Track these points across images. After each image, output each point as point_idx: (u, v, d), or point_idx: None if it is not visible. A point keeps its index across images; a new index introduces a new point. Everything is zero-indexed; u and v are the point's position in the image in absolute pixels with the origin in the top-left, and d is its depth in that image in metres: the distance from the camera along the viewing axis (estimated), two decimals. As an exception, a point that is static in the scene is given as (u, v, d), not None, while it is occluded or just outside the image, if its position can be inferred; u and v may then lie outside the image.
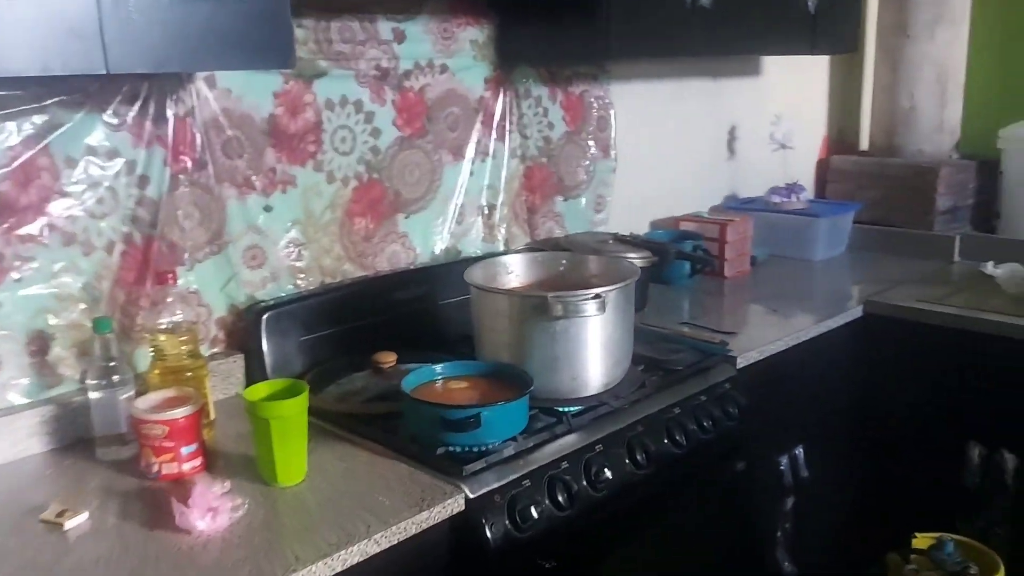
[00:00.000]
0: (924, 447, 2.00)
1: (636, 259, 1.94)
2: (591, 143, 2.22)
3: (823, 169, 3.03)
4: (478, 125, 1.97)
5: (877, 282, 2.25)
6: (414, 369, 1.42)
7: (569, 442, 1.37)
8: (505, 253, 2.03)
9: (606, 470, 1.37)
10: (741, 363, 1.70)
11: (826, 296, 2.19)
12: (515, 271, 1.64)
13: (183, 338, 1.35)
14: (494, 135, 2.01)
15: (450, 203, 1.95)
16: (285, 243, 1.67)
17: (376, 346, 1.65)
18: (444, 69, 1.88)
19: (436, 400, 1.34)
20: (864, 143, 3.14)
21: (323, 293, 1.68)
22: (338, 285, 1.73)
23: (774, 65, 2.74)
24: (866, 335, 2.03)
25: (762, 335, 1.85)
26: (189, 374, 1.35)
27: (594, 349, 1.42)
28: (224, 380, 1.56)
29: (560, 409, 1.41)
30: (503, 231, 2.06)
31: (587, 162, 2.22)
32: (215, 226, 1.56)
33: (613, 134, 2.26)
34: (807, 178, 2.95)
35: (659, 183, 2.45)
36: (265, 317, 1.57)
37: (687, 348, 1.69)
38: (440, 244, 1.95)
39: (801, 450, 1.92)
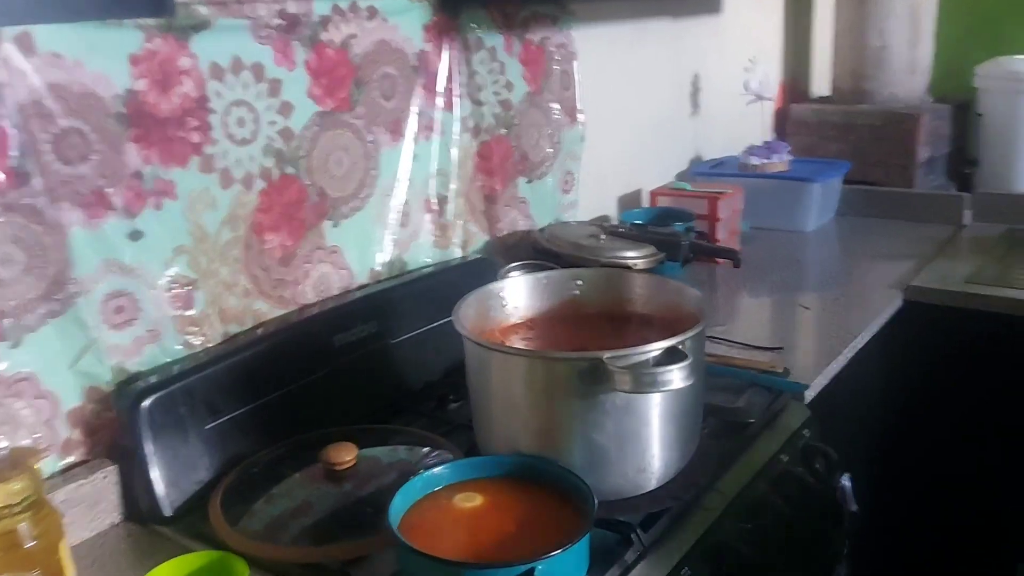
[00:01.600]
0: (994, 461, 1.65)
1: (641, 259, 1.48)
2: (555, 106, 1.73)
3: (781, 120, 2.65)
4: (419, 90, 1.45)
5: (895, 258, 1.88)
6: (397, 484, 0.92)
7: (644, 573, 0.91)
8: (464, 261, 1.53)
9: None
10: (810, 394, 1.28)
11: (849, 281, 1.80)
12: (512, 301, 1.15)
13: (15, 485, 0.79)
14: (440, 102, 1.49)
15: (391, 200, 1.43)
16: (167, 283, 1.12)
17: (313, 418, 1.15)
18: (372, 14, 1.34)
19: (451, 546, 0.84)
20: (822, 88, 2.78)
21: (231, 353, 1.13)
22: (250, 337, 1.19)
23: (734, 1, 2.32)
24: (909, 329, 1.65)
25: (813, 347, 1.44)
26: (31, 544, 0.80)
27: (667, 426, 0.96)
28: (90, 510, 1.02)
29: (621, 519, 0.94)
30: (459, 230, 1.56)
31: (551, 130, 1.73)
32: (52, 271, 1.00)
33: (578, 93, 1.77)
34: (760, 132, 2.56)
35: (622, 150, 2.00)
36: (147, 403, 1.02)
37: (744, 381, 1.25)
38: (381, 257, 1.43)
39: (848, 480, 1.53)
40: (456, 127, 1.52)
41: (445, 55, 1.48)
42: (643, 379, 0.85)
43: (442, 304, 1.40)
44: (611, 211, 1.99)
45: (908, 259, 1.87)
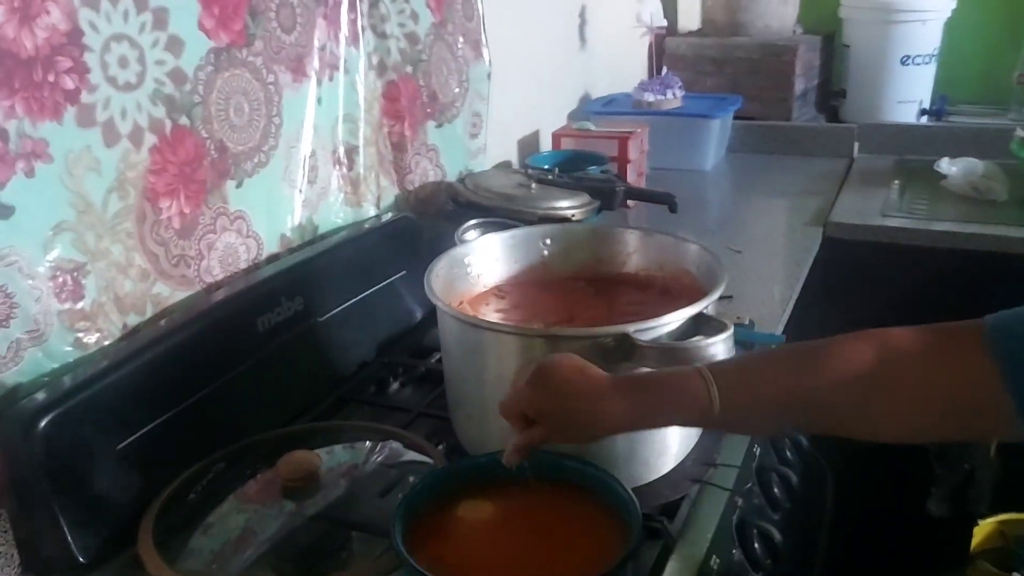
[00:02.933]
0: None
1: (578, 209, 1.36)
2: (460, 40, 1.55)
3: (655, 55, 2.58)
4: (321, 22, 1.23)
5: (801, 194, 1.86)
6: (379, 494, 0.76)
7: (677, 569, 0.81)
8: (383, 221, 1.34)
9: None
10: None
11: (766, 220, 1.76)
12: (477, 268, 1.00)
13: None
14: (344, 36, 1.28)
15: (297, 153, 1.22)
16: (48, 270, 0.88)
17: (244, 419, 0.97)
18: (266, -72, 1.12)
19: (472, 569, 0.70)
20: (690, 22, 2.73)
21: (138, 351, 0.91)
22: (157, 330, 0.97)
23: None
24: (833, 267, 1.63)
25: (759, 293, 1.38)
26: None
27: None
28: (-21, 571, 0.79)
29: (646, 512, 0.82)
30: (372, 185, 1.37)
31: (458, 67, 1.55)
32: None
33: (483, 24, 1.60)
34: (637, 68, 2.48)
35: (519, 89, 1.85)
36: (42, 426, 0.80)
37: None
38: (291, 220, 1.22)
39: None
40: (362, 64, 1.32)
41: (346, -20, 1.27)
42: (683, 354, 0.73)
43: (366, 272, 1.24)
44: (512, 156, 1.85)
45: (814, 195, 1.85)
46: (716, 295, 0.82)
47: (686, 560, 0.82)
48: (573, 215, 1.34)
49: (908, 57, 2.38)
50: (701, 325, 0.79)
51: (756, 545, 0.89)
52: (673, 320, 0.77)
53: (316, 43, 1.23)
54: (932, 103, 2.44)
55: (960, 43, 2.46)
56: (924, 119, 2.41)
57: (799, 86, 2.43)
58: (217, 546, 0.84)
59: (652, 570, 0.80)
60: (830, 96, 2.67)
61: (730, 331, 0.75)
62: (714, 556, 0.84)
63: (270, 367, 1.04)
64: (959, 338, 0.68)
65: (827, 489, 1.07)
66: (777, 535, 0.90)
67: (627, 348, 0.75)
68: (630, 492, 0.74)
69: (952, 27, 2.40)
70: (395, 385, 1.15)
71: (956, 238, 1.58)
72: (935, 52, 2.40)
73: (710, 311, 0.81)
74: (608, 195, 1.41)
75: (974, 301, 1.53)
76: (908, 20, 2.36)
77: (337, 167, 1.31)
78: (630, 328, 0.76)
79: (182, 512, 0.87)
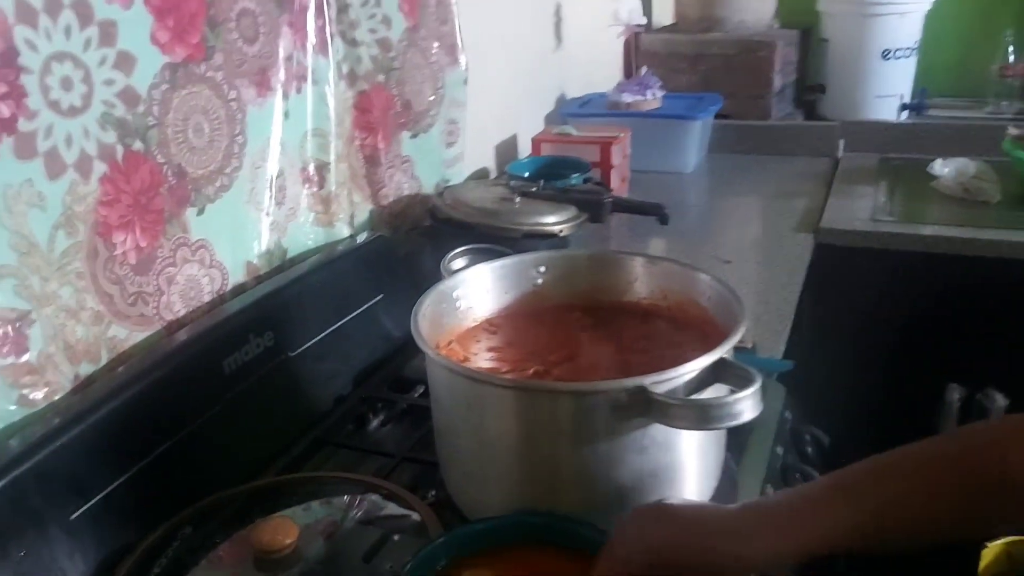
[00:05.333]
0: (900, 394, 1.61)
1: (565, 224, 1.28)
2: (435, 45, 1.46)
3: (629, 52, 2.50)
4: (286, 30, 1.14)
5: (786, 196, 1.81)
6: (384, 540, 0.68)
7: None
8: (357, 243, 1.26)
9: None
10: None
11: (754, 226, 1.70)
12: (466, 301, 0.92)
13: None
14: (311, 45, 1.19)
15: (263, 172, 1.13)
16: (-14, 322, 0.78)
17: (211, 472, 0.89)
18: (223, -70, 1.02)
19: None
20: (663, 17, 2.66)
21: (92, 407, 0.82)
22: (114, 380, 0.87)
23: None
24: (825, 275, 1.57)
25: (756, 309, 1.31)
26: None
27: (705, 456, 0.78)
28: (-86, 673, 0.70)
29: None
30: (344, 202, 1.28)
31: (433, 74, 1.46)
32: None
33: (458, 27, 1.51)
34: (612, 67, 2.41)
35: (495, 92, 1.77)
36: (-15, 500, 0.71)
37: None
38: (258, 246, 1.13)
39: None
40: (331, 74, 1.23)
41: (313, -16, 1.18)
42: (710, 413, 0.66)
43: (340, 300, 1.16)
44: (490, 163, 1.77)
45: (798, 197, 1.79)
46: (737, 336, 0.74)
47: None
48: (560, 231, 1.26)
49: (889, 51, 2.34)
50: (720, 372, 0.72)
51: None
52: (693, 369, 0.70)
53: (281, 53, 1.14)
54: (913, 97, 2.40)
55: (939, 36, 2.42)
56: (904, 114, 2.37)
57: (777, 83, 2.38)
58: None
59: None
60: (808, 92, 2.62)
61: (759, 383, 0.67)
62: None
63: (238, 412, 0.95)
64: None
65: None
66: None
67: (643, 403, 0.68)
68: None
69: (932, 19, 2.36)
70: (375, 423, 1.06)
71: (951, 243, 1.52)
72: (916, 45, 2.36)
73: (729, 356, 0.74)
74: (596, 207, 1.33)
75: (967, 307, 1.49)
76: (888, 13, 2.31)
77: (307, 185, 1.22)
78: (647, 381, 0.68)
79: (147, 586, 0.78)
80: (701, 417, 0.66)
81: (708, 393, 0.71)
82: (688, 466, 0.76)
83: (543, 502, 0.74)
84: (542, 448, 0.73)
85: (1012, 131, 1.71)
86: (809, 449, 1.05)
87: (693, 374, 0.70)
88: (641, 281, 0.92)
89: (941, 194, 1.71)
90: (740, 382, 0.68)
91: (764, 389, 0.68)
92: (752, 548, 0.61)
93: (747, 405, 0.66)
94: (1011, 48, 2.31)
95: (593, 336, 0.89)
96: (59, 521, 0.77)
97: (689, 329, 0.86)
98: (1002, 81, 2.34)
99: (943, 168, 1.70)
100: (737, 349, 1.05)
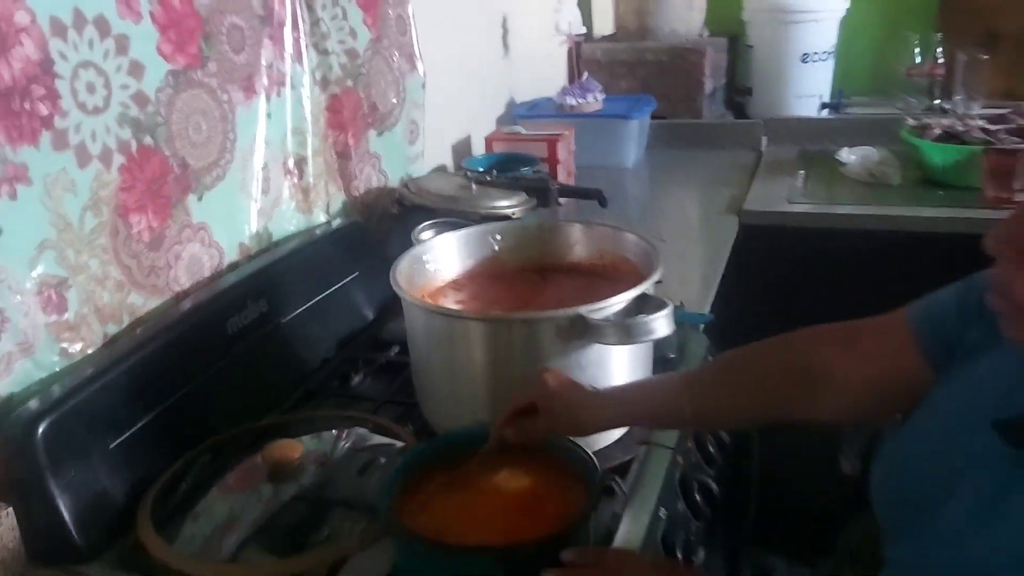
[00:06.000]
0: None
1: (517, 207, 1.46)
2: (396, 54, 1.63)
3: (572, 59, 2.70)
4: (267, 42, 1.31)
5: (716, 185, 2.01)
6: (360, 473, 0.85)
7: (631, 521, 0.91)
8: (335, 227, 1.42)
9: (678, 545, 0.95)
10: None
11: (687, 211, 1.89)
12: (434, 263, 1.09)
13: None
14: (288, 54, 1.35)
15: (251, 165, 1.29)
16: (34, 285, 0.93)
17: (221, 415, 1.04)
18: (214, -44, 1.18)
19: (456, 531, 0.79)
20: (604, 27, 2.86)
21: (121, 358, 0.98)
22: (139, 337, 1.03)
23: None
24: (749, 251, 1.77)
25: (686, 277, 1.50)
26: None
27: (634, 375, 0.96)
28: (-8, 566, 0.85)
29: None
30: (321, 192, 1.44)
31: (395, 79, 1.63)
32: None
33: (415, 38, 1.68)
34: (558, 72, 2.60)
35: (450, 96, 1.94)
36: (41, 430, 0.86)
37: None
38: (248, 229, 1.29)
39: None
40: (306, 80, 1.39)
41: (288, 2, 1.34)
42: (633, 329, 0.84)
43: (321, 275, 1.32)
44: (447, 160, 1.94)
45: (727, 185, 2.00)
46: (655, 277, 0.93)
47: (638, 514, 0.92)
48: (513, 213, 1.43)
49: (807, 55, 2.56)
50: (644, 304, 0.90)
51: (697, 497, 1.01)
52: (620, 301, 0.88)
53: (264, 62, 1.30)
54: (831, 97, 2.63)
55: (853, 40, 2.65)
56: (824, 112, 2.59)
57: (708, 85, 2.59)
58: (208, 531, 0.91)
59: (610, 525, 0.90)
60: (737, 93, 2.85)
61: (670, 307, 0.86)
62: (662, 508, 0.95)
63: (241, 366, 1.11)
64: (882, 328, 0.82)
65: (754, 446, 1.20)
66: (714, 487, 1.02)
67: (581, 327, 0.86)
68: (590, 454, 0.84)
69: (846, 25, 2.59)
70: (357, 378, 1.23)
71: (856, 220, 1.74)
72: (832, 49, 2.59)
73: (651, 292, 0.92)
74: (543, 193, 1.51)
75: (874, 275, 1.70)
76: (805, 20, 2.54)
77: (288, 177, 1.38)
78: (583, 309, 0.86)
79: (174, 502, 0.94)
80: (626, 334, 0.84)
81: (633, 322, 0.89)
82: (619, 381, 0.94)
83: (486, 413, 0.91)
84: (502, 370, 0.90)
85: (910, 122, 1.93)
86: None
87: (621, 305, 0.88)
88: (581, 244, 1.10)
89: (850, 179, 1.93)
90: (656, 309, 0.86)
91: (686, 330, 0.86)
92: (595, 416, 0.85)
93: (661, 324, 0.84)
94: (917, 51, 2.55)
95: (542, 290, 1.07)
96: (100, 449, 0.92)
97: (621, 280, 1.04)
98: (910, 81, 2.57)
99: (850, 156, 1.92)
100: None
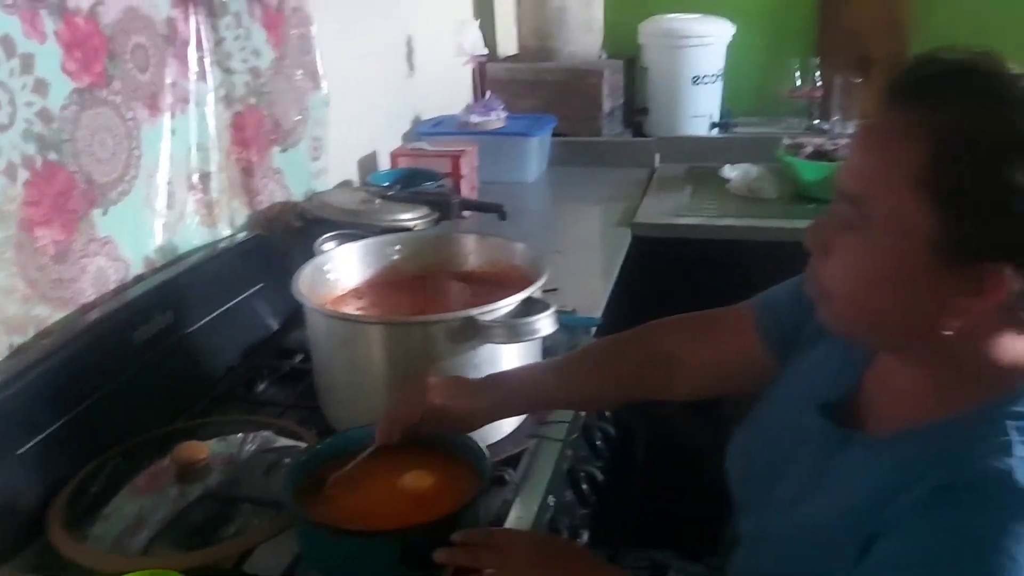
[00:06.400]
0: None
1: (419, 220, 1.53)
2: (299, 72, 1.69)
3: (476, 79, 2.79)
4: (171, 60, 1.35)
5: (611, 200, 2.12)
6: (267, 471, 0.90)
7: (520, 508, 0.99)
8: (240, 240, 1.46)
9: (564, 529, 1.03)
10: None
11: (584, 223, 2.00)
12: (335, 273, 1.15)
13: None
14: (192, 73, 1.40)
15: (156, 180, 1.32)
16: (-60, 297, 0.96)
17: (129, 422, 1.08)
18: (118, -23, 1.23)
19: (354, 517, 0.85)
20: (508, 48, 2.97)
21: (30, 367, 1.01)
22: (44, 347, 1.06)
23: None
24: (641, 260, 1.89)
25: (581, 285, 1.60)
26: None
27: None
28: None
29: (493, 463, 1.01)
30: (225, 207, 1.48)
31: (298, 97, 1.69)
32: None
33: (318, 57, 1.74)
34: (463, 91, 2.69)
35: (356, 114, 2.00)
36: (-52, 437, 0.89)
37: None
38: (153, 243, 1.33)
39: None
40: (210, 98, 1.44)
41: (192, 21, 1.39)
42: (519, 329, 0.92)
43: (226, 286, 1.37)
44: (353, 175, 2.00)
45: (622, 200, 2.11)
46: (541, 282, 1.01)
47: (527, 501, 1.00)
48: (415, 225, 1.50)
49: (698, 77, 2.71)
50: (531, 307, 0.98)
51: (584, 486, 1.10)
52: (507, 304, 0.96)
53: (168, 80, 1.34)
54: (721, 117, 2.79)
55: (740, 64, 2.82)
56: (715, 131, 2.75)
57: (606, 105, 2.71)
58: (117, 530, 0.95)
59: (500, 511, 0.98)
60: (634, 113, 2.98)
61: (553, 308, 0.95)
62: (550, 496, 1.03)
63: (149, 374, 1.14)
64: (730, 317, 0.94)
65: (639, 440, 1.30)
66: (600, 476, 1.11)
67: (472, 328, 0.93)
68: (481, 446, 0.92)
69: (732, 50, 2.75)
70: (262, 385, 1.28)
71: (735, 231, 1.88)
72: (720, 72, 2.75)
73: (537, 296, 1.00)
74: (444, 206, 1.59)
75: (752, 281, 1.83)
76: (695, 44, 2.69)
77: (193, 192, 1.42)
78: (474, 312, 0.94)
79: (84, 504, 0.97)
80: (513, 333, 0.92)
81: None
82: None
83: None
84: (399, 370, 0.97)
85: (786, 141, 2.09)
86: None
87: (509, 307, 0.97)
88: (475, 254, 1.18)
89: (732, 194, 2.07)
90: (540, 310, 0.95)
91: (577, 333, 0.95)
92: (478, 404, 0.93)
93: (544, 323, 0.93)
94: (797, 75, 2.73)
95: (438, 297, 1.14)
96: (8, 455, 0.95)
97: (512, 286, 1.12)
98: (792, 102, 2.75)
99: (732, 172, 2.06)
100: (560, 312, 1.34)
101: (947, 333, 0.68)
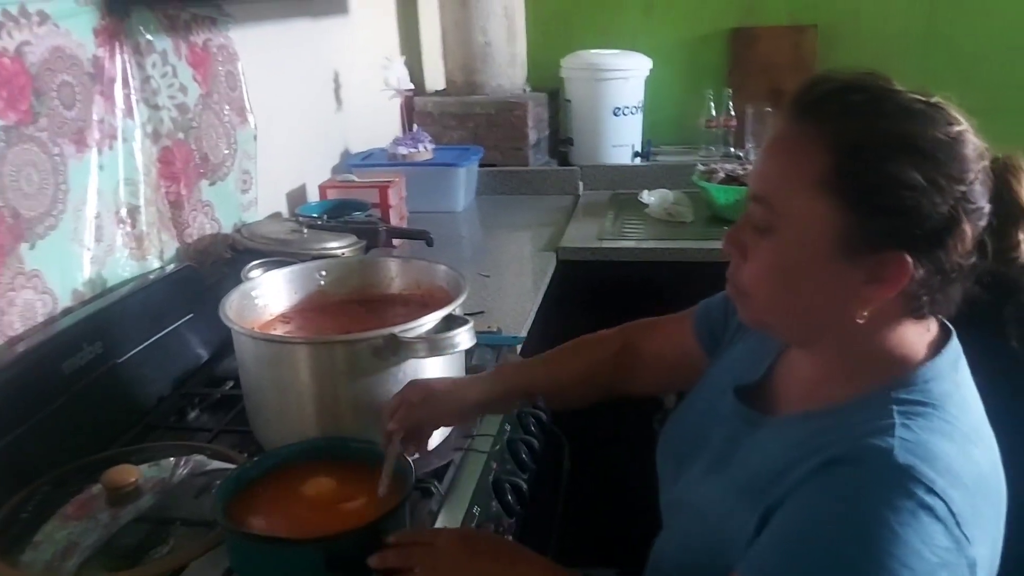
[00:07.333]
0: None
1: (347, 248, 1.58)
2: (226, 107, 1.73)
3: (406, 113, 2.86)
4: (98, 97, 1.38)
5: (538, 226, 2.20)
6: (196, 492, 0.93)
7: (446, 518, 1.04)
8: (169, 272, 1.49)
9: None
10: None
11: (511, 249, 2.07)
12: (263, 299, 1.19)
13: None
14: (119, 109, 1.43)
15: (84, 215, 1.35)
16: None
17: (59, 452, 1.09)
18: (43, 18, 1.26)
19: (283, 528, 0.89)
20: (436, 82, 3.04)
21: (-43, 398, 1.02)
22: (-28, 378, 1.07)
23: (357, 3, 2.46)
24: (566, 282, 1.96)
25: (507, 307, 1.66)
26: None
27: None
28: None
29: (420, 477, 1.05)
30: (155, 240, 1.51)
31: (226, 131, 1.72)
32: None
33: (246, 93, 1.79)
34: (391, 125, 2.75)
35: (284, 147, 2.04)
36: None
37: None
38: (82, 276, 1.34)
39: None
40: (138, 133, 1.47)
41: (119, 59, 1.42)
42: (439, 344, 0.97)
43: (156, 318, 1.39)
44: (282, 208, 2.03)
45: (548, 226, 2.19)
46: (461, 299, 1.07)
47: (453, 510, 1.05)
48: (343, 253, 1.55)
49: (619, 108, 2.82)
50: (451, 323, 1.03)
51: (509, 497, 1.14)
52: (428, 321, 1.01)
53: (95, 117, 1.37)
54: (642, 146, 2.90)
55: (658, 95, 2.94)
56: (637, 160, 2.86)
57: (532, 136, 2.80)
58: (48, 556, 0.96)
59: (427, 522, 1.02)
60: (561, 143, 3.08)
61: (470, 323, 1.00)
62: (476, 506, 1.08)
63: (79, 404, 1.16)
64: (677, 319, 1.09)
65: (564, 453, 1.35)
66: (525, 487, 1.16)
67: (394, 345, 0.98)
68: (407, 459, 0.96)
69: (651, 83, 2.87)
70: (194, 413, 1.29)
71: (654, 252, 1.97)
72: (640, 104, 2.86)
73: (458, 313, 1.05)
74: (372, 234, 1.64)
75: (669, 299, 1.92)
76: (615, 78, 2.80)
77: (121, 226, 1.44)
78: (396, 329, 0.99)
79: (14, 532, 0.98)
80: (433, 347, 0.97)
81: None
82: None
83: (328, 430, 1.02)
84: (326, 389, 1.01)
85: (700, 167, 2.19)
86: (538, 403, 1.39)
87: (430, 324, 1.01)
88: (400, 277, 1.23)
89: (652, 218, 2.16)
90: (460, 325, 1.00)
91: (502, 351, 1.01)
92: (467, 397, 1.02)
93: (463, 337, 0.98)
94: (712, 105, 2.86)
95: (365, 319, 1.19)
96: (-64, 486, 0.96)
97: (436, 306, 1.17)
98: (709, 131, 2.88)
99: (650, 197, 2.16)
100: (485, 333, 1.39)
101: (859, 322, 0.76)
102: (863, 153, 0.73)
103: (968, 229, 0.74)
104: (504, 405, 1.12)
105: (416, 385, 1.01)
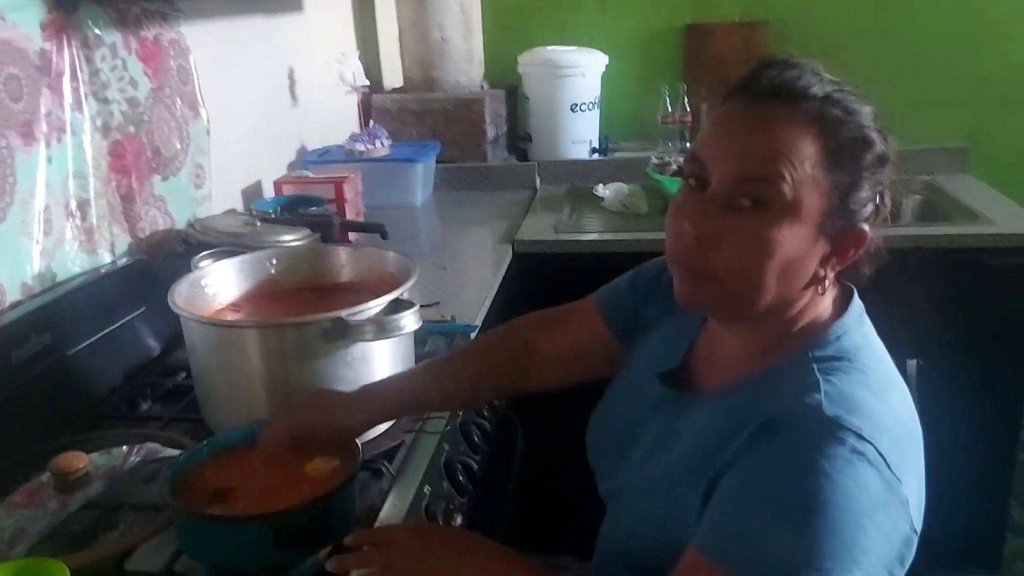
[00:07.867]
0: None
1: (301, 240, 1.58)
2: (179, 101, 1.72)
3: (364, 109, 2.86)
4: (45, 91, 1.37)
5: (495, 219, 2.22)
6: (145, 477, 0.94)
7: (397, 497, 1.05)
8: (120, 266, 1.48)
9: (439, 513, 1.09)
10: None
11: (468, 242, 2.08)
12: (213, 288, 1.19)
13: None
14: (68, 103, 1.42)
15: (32, 208, 1.34)
16: None
17: (9, 440, 1.09)
18: (-12, 10, 1.25)
19: (232, 507, 0.90)
20: (394, 79, 3.05)
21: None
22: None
23: (311, 1, 2.46)
24: (522, 274, 1.98)
25: (462, 297, 1.67)
26: None
27: (392, 369, 1.10)
28: None
29: (369, 457, 1.07)
30: (105, 234, 1.50)
31: (178, 125, 1.72)
32: None
33: (198, 87, 1.78)
34: (351, 121, 2.76)
35: (239, 143, 2.04)
36: None
37: (425, 332, 1.42)
38: (30, 269, 1.34)
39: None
40: (87, 127, 1.46)
41: (67, 53, 1.42)
42: (386, 326, 0.99)
43: (107, 311, 1.39)
44: (237, 204, 2.03)
45: (505, 219, 2.21)
46: (409, 284, 1.08)
47: (404, 491, 1.06)
48: (296, 246, 1.55)
49: (576, 104, 2.84)
50: (398, 307, 1.05)
51: (460, 477, 1.16)
52: (376, 304, 1.03)
53: (43, 110, 1.36)
54: (600, 142, 2.93)
55: (614, 92, 2.97)
56: (595, 155, 2.89)
57: (490, 132, 2.82)
58: (13, 533, 0.96)
59: (377, 501, 1.03)
60: (519, 139, 3.10)
61: (416, 306, 1.01)
62: (426, 486, 1.09)
63: (28, 394, 1.15)
64: (578, 310, 1.03)
65: (517, 435, 1.37)
66: (476, 467, 1.18)
67: (342, 328, 0.99)
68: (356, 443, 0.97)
69: (607, 79, 2.90)
70: (146, 404, 1.29)
71: (609, 244, 1.99)
72: (596, 100, 2.89)
73: (405, 297, 1.07)
74: (326, 227, 1.64)
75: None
76: (572, 74, 2.82)
77: (71, 219, 1.43)
78: (343, 312, 1.00)
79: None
80: (380, 329, 0.99)
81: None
82: (384, 375, 1.08)
83: (279, 413, 1.02)
84: (276, 372, 1.02)
85: (654, 160, 2.23)
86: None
87: (378, 308, 1.03)
88: (350, 264, 1.24)
89: (608, 210, 2.19)
90: (406, 308, 1.01)
91: (456, 338, 1.02)
92: (355, 415, 0.97)
93: (409, 320, 1.00)
94: (667, 101, 2.89)
95: (315, 305, 1.20)
96: None
97: (386, 292, 1.19)
98: (665, 126, 2.91)
99: (604, 191, 2.19)
100: (439, 321, 1.41)
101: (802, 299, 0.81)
102: (844, 137, 0.78)
103: (888, 202, 0.79)
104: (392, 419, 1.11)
105: (291, 418, 0.97)
